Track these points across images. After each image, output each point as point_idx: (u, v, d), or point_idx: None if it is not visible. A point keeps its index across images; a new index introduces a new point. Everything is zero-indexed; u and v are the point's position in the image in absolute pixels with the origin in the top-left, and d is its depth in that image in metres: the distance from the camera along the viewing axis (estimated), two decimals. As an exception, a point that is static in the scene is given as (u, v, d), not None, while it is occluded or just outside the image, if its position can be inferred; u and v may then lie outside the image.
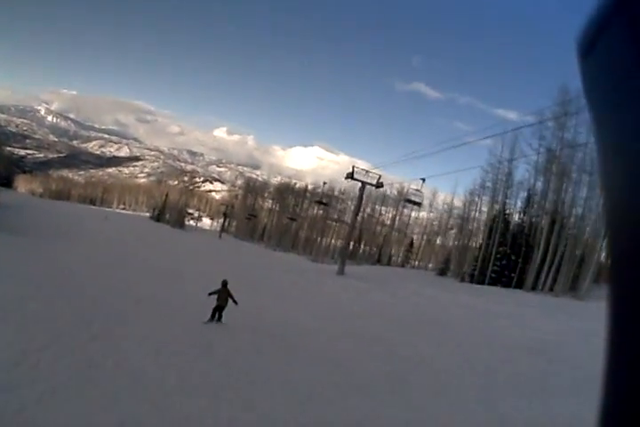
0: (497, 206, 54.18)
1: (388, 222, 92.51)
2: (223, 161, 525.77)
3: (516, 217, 53.92)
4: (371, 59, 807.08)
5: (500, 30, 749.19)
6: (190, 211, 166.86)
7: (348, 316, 21.74)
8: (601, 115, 0.67)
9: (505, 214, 53.00)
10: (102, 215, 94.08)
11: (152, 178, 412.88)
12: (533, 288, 43.47)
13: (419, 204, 46.58)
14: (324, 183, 76.75)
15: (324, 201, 72.93)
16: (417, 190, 44.01)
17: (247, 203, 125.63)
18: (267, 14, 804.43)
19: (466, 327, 21.21)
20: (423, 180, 42.74)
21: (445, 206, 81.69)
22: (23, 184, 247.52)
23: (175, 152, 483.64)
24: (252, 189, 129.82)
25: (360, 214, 69.68)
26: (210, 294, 16.52)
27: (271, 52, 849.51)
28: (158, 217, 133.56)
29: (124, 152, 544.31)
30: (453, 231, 75.19)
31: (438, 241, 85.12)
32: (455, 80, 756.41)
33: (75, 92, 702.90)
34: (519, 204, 54.20)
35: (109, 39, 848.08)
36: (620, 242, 0.61)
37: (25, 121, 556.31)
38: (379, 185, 48.35)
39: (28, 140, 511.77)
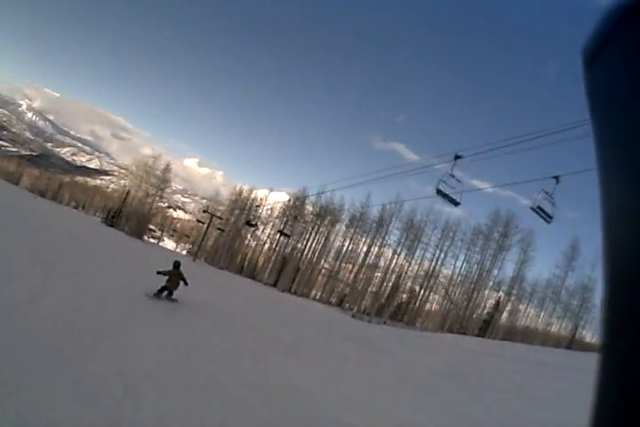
0: None
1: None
2: (189, 192, 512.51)
3: None
4: (355, 113, 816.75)
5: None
6: (152, 227, 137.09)
7: None
8: (603, 123, 0.67)
9: None
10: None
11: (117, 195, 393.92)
12: None
13: (455, 203, 23.97)
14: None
15: (253, 222, 64.90)
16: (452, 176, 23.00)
17: (234, 222, 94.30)
18: (261, 59, 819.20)
19: None
20: (457, 157, 22.57)
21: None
22: None
23: (144, 174, 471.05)
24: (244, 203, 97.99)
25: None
26: (159, 272, 17.28)
27: (255, 95, 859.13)
28: (112, 221, 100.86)
29: (95, 164, 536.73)
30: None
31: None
32: (436, 146, 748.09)
33: (58, 95, 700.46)
34: None
35: (105, 49, 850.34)
36: (618, 249, 0.60)
37: (5, 112, 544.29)
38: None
39: (4, 132, 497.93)
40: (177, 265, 17.74)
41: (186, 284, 17.78)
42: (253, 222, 63.42)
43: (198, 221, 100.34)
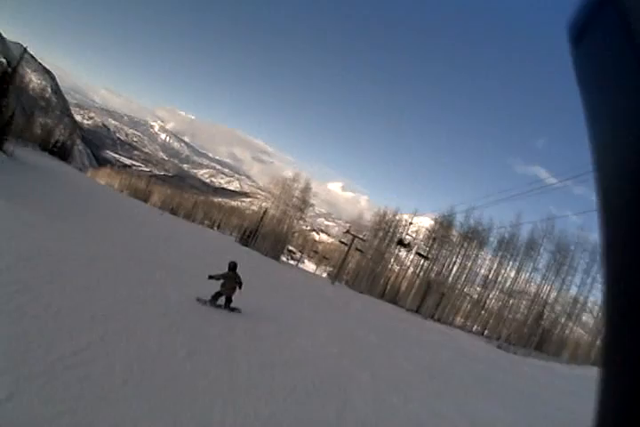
0: None
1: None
2: (332, 215, 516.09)
3: None
4: (497, 136, 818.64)
5: None
6: (292, 249, 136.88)
7: None
8: (593, 101, 0.68)
9: None
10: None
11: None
12: None
13: None
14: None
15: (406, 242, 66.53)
16: None
17: (377, 245, 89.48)
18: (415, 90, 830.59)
19: None
20: None
21: None
22: (103, 177, 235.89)
23: (283, 194, 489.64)
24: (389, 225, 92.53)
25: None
26: (211, 277, 14.65)
27: (400, 122, 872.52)
28: (247, 240, 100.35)
29: (234, 186, 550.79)
30: None
31: None
32: (574, 167, 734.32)
33: (193, 117, 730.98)
34: None
35: (245, 73, 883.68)
36: (615, 240, 0.60)
37: (136, 133, 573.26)
38: None
39: (135, 152, 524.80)
40: (232, 267, 15.42)
41: (239, 287, 15.31)
42: (406, 242, 64.20)
43: (340, 241, 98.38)
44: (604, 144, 0.64)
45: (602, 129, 0.65)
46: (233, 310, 14.85)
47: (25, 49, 75.40)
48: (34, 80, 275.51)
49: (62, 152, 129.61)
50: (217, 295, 14.61)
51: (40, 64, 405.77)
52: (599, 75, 0.66)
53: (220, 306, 14.59)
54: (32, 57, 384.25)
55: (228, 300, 14.80)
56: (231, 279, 14.84)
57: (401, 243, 64.44)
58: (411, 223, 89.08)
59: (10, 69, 59.71)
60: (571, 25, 0.70)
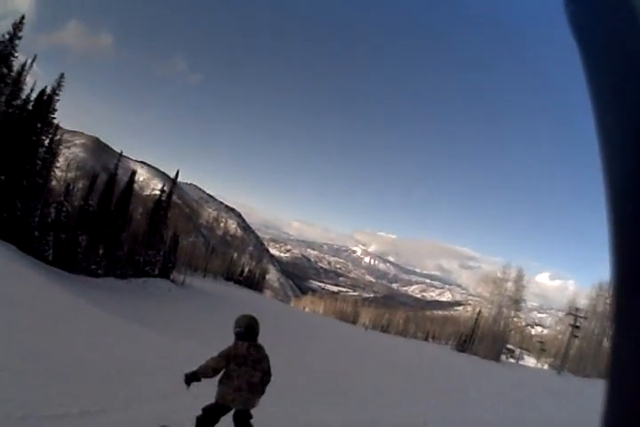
0: None
1: None
2: (544, 307, 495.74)
3: None
4: None
5: None
6: (510, 347, 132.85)
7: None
8: (592, 58, 0.66)
9: None
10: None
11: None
12: None
13: None
14: None
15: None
16: None
17: (595, 323, 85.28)
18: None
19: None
20: None
21: None
22: (307, 304, 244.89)
23: (498, 298, 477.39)
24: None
25: None
26: (192, 376, 5.84)
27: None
28: (463, 345, 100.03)
29: (446, 297, 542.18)
30: None
31: None
32: None
33: (394, 236, 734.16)
34: None
35: (433, 187, 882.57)
36: (626, 237, 0.59)
37: (338, 260, 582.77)
38: None
39: (341, 278, 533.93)
40: (246, 332, 6.05)
41: (265, 382, 6.12)
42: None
43: (570, 324, 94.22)
44: (605, 99, 0.63)
45: (603, 84, 0.64)
46: None
47: (177, 172, 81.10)
48: (214, 216, 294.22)
49: (250, 281, 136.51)
50: (211, 412, 5.97)
51: (221, 203, 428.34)
52: (597, 29, 0.64)
53: None
54: (210, 196, 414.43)
55: (240, 420, 6.00)
56: (247, 363, 5.92)
57: None
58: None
59: (164, 196, 66.66)
60: None
